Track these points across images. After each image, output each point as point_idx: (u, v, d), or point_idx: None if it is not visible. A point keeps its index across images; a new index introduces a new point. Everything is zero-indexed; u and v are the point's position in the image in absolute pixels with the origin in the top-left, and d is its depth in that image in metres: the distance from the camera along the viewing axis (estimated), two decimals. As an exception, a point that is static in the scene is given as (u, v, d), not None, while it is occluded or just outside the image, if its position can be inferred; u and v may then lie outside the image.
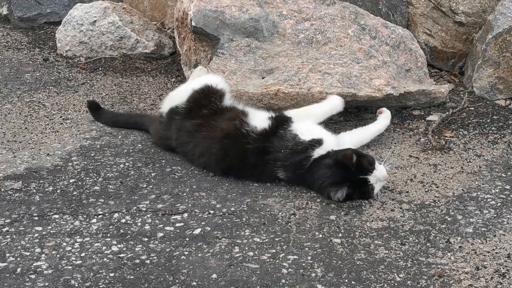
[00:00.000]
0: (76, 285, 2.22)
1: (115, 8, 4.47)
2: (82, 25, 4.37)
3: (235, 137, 2.87)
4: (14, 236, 2.48)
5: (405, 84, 3.58)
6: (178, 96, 3.17)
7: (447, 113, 3.55)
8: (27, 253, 2.39)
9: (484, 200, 2.78)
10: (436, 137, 3.34)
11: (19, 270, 2.28)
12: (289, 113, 3.01)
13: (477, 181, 2.94)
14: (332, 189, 2.71)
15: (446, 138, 3.35)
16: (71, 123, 3.51)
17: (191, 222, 2.60)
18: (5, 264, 2.31)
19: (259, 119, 2.94)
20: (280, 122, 2.91)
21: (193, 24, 3.58)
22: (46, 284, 2.22)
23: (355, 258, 2.39)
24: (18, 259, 2.35)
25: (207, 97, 3.06)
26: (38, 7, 4.95)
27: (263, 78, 3.43)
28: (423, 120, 3.54)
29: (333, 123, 3.50)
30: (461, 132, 3.42)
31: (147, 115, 3.53)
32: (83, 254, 2.39)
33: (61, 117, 3.57)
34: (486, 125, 3.50)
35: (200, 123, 3.00)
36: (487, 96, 3.79)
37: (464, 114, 3.61)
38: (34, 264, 2.32)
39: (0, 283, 2.21)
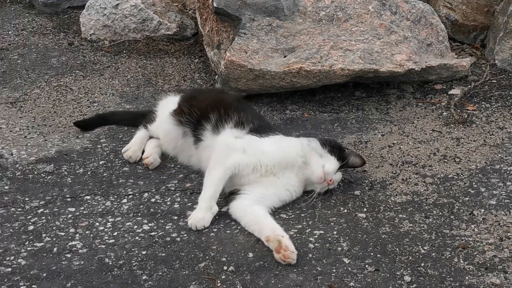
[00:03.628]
0: (110, 263, 2.30)
1: (137, -9, 4.51)
2: (105, 8, 4.43)
3: None
4: (49, 217, 2.57)
5: (427, 58, 3.60)
6: None
7: (469, 86, 3.56)
8: (62, 233, 2.47)
9: (507, 172, 2.81)
10: (459, 110, 3.36)
11: (55, 249, 2.37)
12: None
13: (499, 154, 2.96)
14: None
15: (469, 111, 3.37)
16: (98, 106, 3.58)
17: (219, 199, 2.66)
18: (42, 244, 2.40)
19: None
20: None
21: (215, 5, 3.62)
22: (82, 262, 2.30)
23: (380, 232, 2.44)
24: (54, 239, 2.43)
25: None
26: (61, -9, 5.00)
27: (285, 56, 3.47)
28: (445, 94, 3.55)
29: (356, 99, 3.54)
30: (483, 105, 3.43)
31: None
32: (115, 233, 2.47)
33: (88, 100, 3.65)
34: (508, 98, 3.51)
35: None
36: (509, 68, 3.79)
37: (486, 87, 3.62)
38: (69, 244, 2.40)
39: (38, 262, 2.30)
